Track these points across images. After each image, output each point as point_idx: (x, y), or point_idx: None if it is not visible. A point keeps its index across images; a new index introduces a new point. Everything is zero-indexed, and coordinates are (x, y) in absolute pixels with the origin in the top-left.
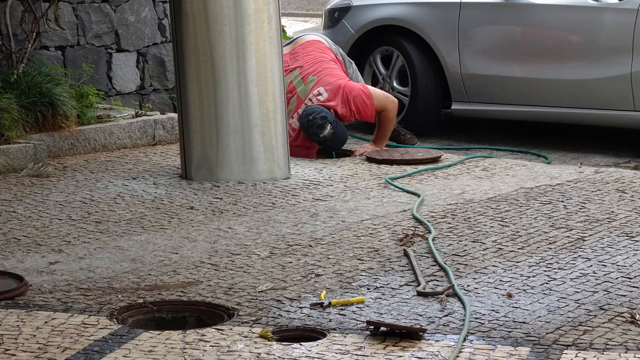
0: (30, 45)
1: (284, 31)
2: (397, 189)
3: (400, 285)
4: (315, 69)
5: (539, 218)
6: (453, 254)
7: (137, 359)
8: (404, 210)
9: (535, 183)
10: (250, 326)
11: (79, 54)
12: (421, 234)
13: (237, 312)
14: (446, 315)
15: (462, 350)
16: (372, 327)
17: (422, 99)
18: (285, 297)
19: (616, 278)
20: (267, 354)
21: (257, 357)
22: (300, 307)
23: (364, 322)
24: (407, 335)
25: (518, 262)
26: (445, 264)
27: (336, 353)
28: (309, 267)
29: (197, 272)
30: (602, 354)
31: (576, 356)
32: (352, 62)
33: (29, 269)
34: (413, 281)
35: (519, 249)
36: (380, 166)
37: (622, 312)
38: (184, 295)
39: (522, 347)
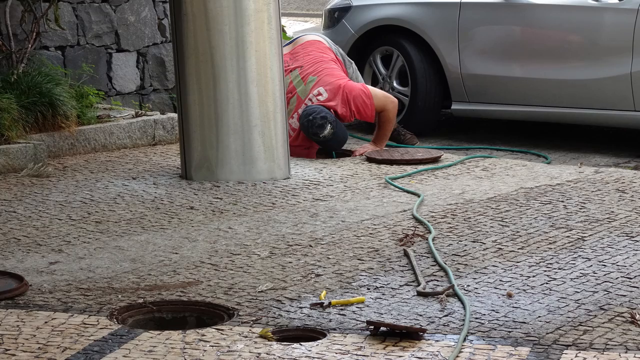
0: (30, 45)
1: (283, 31)
2: (397, 189)
3: (400, 285)
4: (315, 69)
5: (539, 218)
6: (453, 254)
7: (137, 359)
8: (404, 210)
9: (535, 183)
10: (250, 326)
11: (79, 54)
12: (421, 234)
13: (237, 312)
14: (446, 315)
15: (462, 350)
16: (372, 327)
17: (422, 99)
18: (285, 297)
19: (616, 278)
20: (267, 354)
21: (257, 357)
22: (300, 307)
23: (364, 322)
24: (407, 335)
25: (518, 262)
26: (445, 264)
27: (336, 353)
28: (308, 267)
29: (197, 272)
30: (602, 354)
31: (576, 356)
32: (352, 62)
33: (29, 269)
34: (413, 281)
35: (519, 249)
36: (380, 166)
37: (622, 312)
38: (184, 295)
39: (522, 347)
